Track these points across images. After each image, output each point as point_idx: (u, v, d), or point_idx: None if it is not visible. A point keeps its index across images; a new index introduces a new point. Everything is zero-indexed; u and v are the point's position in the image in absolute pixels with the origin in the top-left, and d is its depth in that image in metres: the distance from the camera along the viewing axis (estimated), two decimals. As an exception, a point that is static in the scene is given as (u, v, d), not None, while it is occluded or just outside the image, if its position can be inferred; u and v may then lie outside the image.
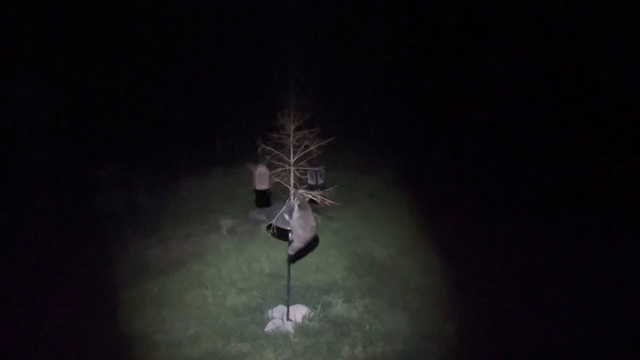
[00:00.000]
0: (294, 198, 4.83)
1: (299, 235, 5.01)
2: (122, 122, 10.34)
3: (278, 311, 5.61)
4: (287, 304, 5.53)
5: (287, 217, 4.93)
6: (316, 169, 4.95)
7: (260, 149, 4.87)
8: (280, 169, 4.88)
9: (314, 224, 4.84)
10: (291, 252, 5.17)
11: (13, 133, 8.54)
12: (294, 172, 4.88)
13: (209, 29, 11.43)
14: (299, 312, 5.58)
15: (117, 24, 11.12)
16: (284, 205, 4.93)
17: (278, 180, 4.89)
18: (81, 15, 10.49)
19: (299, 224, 4.89)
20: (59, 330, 5.37)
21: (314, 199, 4.94)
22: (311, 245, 5.10)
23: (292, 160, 4.82)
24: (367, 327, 5.45)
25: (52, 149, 9.02)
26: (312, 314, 5.59)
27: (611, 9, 9.80)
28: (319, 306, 5.69)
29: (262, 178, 4.84)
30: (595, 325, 5.50)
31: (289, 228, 5.03)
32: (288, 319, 5.49)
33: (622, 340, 5.31)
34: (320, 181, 4.96)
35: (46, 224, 7.22)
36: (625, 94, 9.68)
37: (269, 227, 5.03)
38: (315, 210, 5.25)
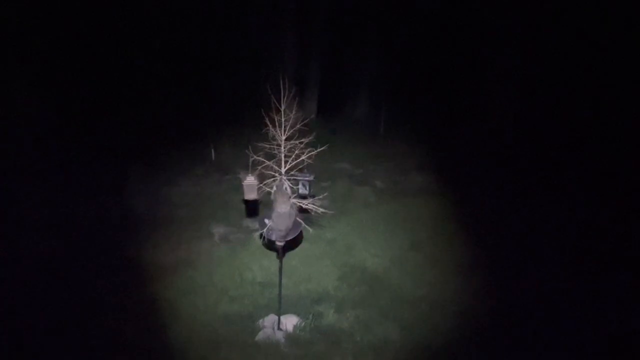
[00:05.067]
0: (275, 192, 4.82)
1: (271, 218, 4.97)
2: (116, 128, 10.36)
3: (269, 320, 5.59)
4: (279, 313, 5.51)
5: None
6: (306, 178, 4.93)
7: (251, 159, 4.87)
8: (272, 179, 4.88)
9: (281, 210, 4.79)
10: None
11: (5, 139, 8.55)
12: (285, 182, 4.89)
13: (206, 34, 11.49)
14: (290, 321, 5.56)
15: (115, 29, 11.18)
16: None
17: (269, 190, 4.89)
18: (78, 18, 10.54)
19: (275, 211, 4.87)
20: (46, 338, 5.34)
21: (306, 208, 4.94)
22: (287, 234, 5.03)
23: (283, 170, 4.83)
24: (358, 338, 5.43)
25: (46, 154, 9.03)
26: (303, 324, 5.57)
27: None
28: (310, 316, 5.67)
29: (250, 188, 4.83)
30: (597, 334, 5.53)
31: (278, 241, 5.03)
32: (279, 328, 5.46)
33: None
34: (310, 190, 4.95)
35: (37, 228, 7.19)
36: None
37: (261, 236, 5.03)
38: (307, 220, 5.25)
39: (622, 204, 8.23)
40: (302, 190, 4.95)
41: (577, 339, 5.49)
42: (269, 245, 5.12)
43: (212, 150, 9.70)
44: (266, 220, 4.90)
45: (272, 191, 4.81)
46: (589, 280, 6.42)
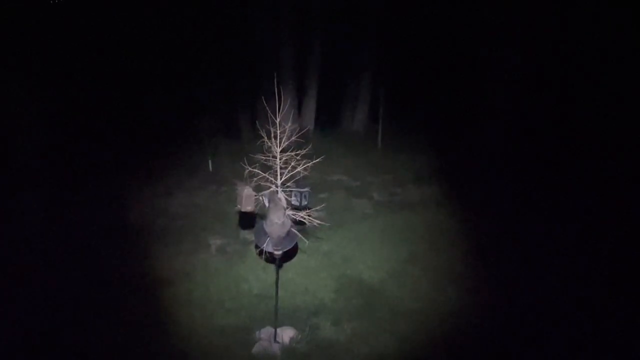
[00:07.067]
0: (268, 201, 4.82)
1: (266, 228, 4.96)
2: (112, 138, 10.39)
3: (266, 333, 5.55)
4: (275, 325, 5.48)
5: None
6: (302, 190, 4.94)
7: (247, 171, 4.88)
8: (266, 190, 4.89)
9: (277, 221, 4.80)
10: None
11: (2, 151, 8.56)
12: (281, 194, 4.89)
13: (202, 44, 11.54)
14: (287, 334, 5.52)
15: (109, 40, 11.25)
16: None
17: (262, 200, 4.89)
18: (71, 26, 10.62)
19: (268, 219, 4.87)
20: (40, 348, 5.30)
21: (302, 220, 4.94)
22: (281, 243, 5.01)
23: (279, 182, 4.84)
24: (355, 351, 5.40)
25: (41, 165, 9.03)
26: (300, 336, 5.54)
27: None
28: (307, 328, 5.64)
29: (247, 200, 4.83)
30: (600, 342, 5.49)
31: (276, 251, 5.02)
32: (276, 341, 5.43)
33: None
34: (305, 202, 4.95)
35: (32, 239, 7.16)
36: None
37: (261, 252, 5.02)
38: (304, 232, 5.24)
39: (625, 207, 8.23)
40: (294, 202, 4.94)
41: (581, 351, 5.46)
42: (269, 258, 5.11)
43: (210, 161, 9.72)
44: (265, 226, 4.88)
45: (266, 201, 4.82)
46: (592, 291, 6.38)
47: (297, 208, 4.98)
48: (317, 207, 5.09)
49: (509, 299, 6.25)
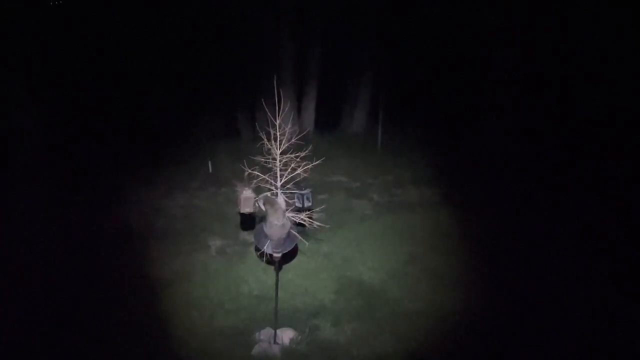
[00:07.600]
0: (263, 204, 4.82)
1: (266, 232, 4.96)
2: (113, 139, 10.38)
3: (265, 334, 5.54)
4: (275, 326, 5.48)
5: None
6: (303, 192, 4.94)
7: (247, 173, 4.89)
8: (268, 192, 4.89)
9: (277, 222, 4.80)
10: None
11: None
12: (281, 196, 4.90)
13: (201, 46, 11.54)
14: (287, 335, 5.52)
15: (108, 43, 11.25)
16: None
17: (259, 203, 4.89)
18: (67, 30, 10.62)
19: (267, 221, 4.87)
20: (37, 350, 5.30)
21: (302, 221, 4.94)
22: (282, 245, 5.02)
23: (279, 184, 4.84)
24: (355, 352, 5.39)
25: (41, 163, 9.02)
26: (300, 337, 5.53)
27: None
28: (307, 330, 5.63)
29: (247, 201, 4.84)
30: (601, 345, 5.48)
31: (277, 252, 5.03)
32: (275, 342, 5.42)
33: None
34: (308, 204, 4.95)
35: (31, 240, 7.16)
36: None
37: (262, 254, 5.02)
38: (304, 233, 5.25)
39: (625, 207, 8.23)
40: (297, 204, 4.95)
41: (581, 351, 5.46)
42: (268, 259, 5.11)
43: (210, 163, 9.72)
44: (264, 229, 4.89)
45: (261, 204, 4.82)
46: (592, 291, 6.36)
47: (299, 210, 4.98)
48: (317, 209, 5.09)
49: (509, 299, 6.24)
